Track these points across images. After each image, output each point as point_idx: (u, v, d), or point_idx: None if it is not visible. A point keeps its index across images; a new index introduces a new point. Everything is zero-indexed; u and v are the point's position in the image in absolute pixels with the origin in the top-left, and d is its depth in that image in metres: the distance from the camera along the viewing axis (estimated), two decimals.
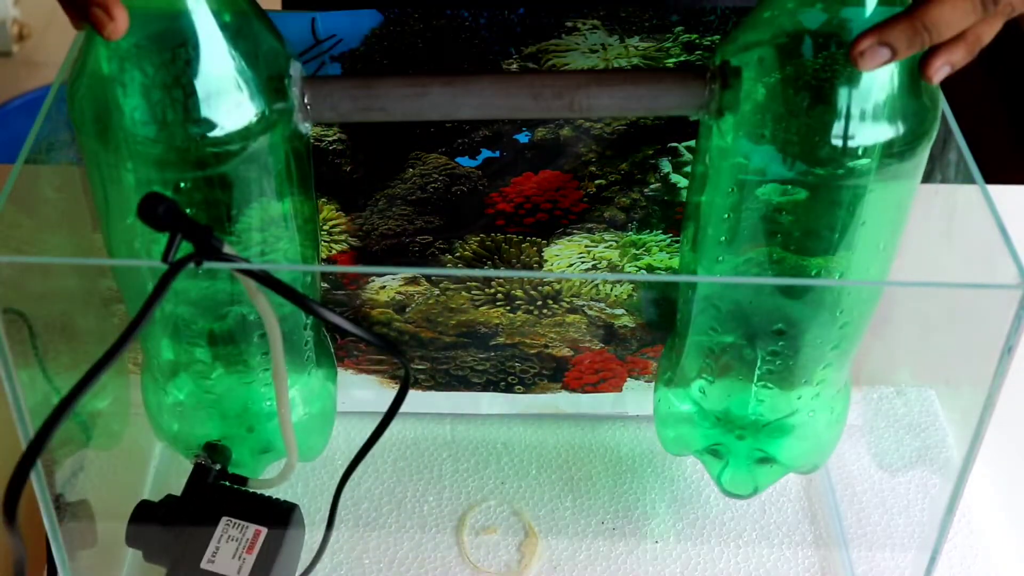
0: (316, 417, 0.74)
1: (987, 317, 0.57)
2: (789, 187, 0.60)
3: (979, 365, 0.58)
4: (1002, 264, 0.55)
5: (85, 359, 0.61)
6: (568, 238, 0.72)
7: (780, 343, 0.67)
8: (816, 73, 0.57)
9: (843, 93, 0.57)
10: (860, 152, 0.58)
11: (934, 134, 0.60)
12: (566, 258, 0.73)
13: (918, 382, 0.84)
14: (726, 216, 0.64)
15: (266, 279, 0.53)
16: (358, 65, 0.66)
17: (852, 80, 0.56)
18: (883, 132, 0.58)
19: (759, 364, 0.69)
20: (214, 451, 0.71)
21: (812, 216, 0.62)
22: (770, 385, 0.70)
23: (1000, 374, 0.57)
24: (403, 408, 0.81)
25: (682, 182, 0.70)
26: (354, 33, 0.65)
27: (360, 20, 0.65)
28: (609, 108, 0.60)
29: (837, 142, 0.58)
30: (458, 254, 0.73)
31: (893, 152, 0.58)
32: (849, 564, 0.74)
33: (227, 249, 0.53)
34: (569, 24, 0.65)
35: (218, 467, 0.71)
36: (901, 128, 0.58)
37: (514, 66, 0.66)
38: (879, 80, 0.57)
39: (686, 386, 0.73)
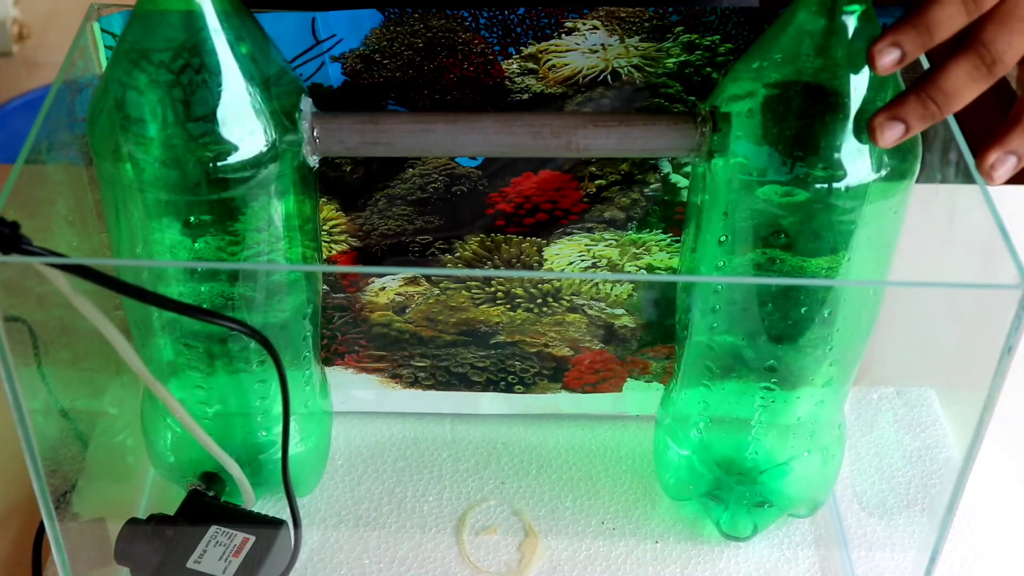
0: (311, 452, 0.75)
1: (987, 317, 0.57)
2: (789, 188, 0.61)
3: (979, 365, 0.58)
4: (1002, 264, 0.55)
5: (86, 360, 0.62)
6: (568, 238, 0.72)
7: (772, 380, 0.68)
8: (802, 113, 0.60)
9: (830, 127, 0.60)
10: (844, 189, 0.60)
11: (916, 171, 0.62)
12: (566, 257, 0.73)
13: (918, 382, 0.84)
14: (725, 217, 0.64)
15: (84, 272, 0.53)
16: (358, 65, 0.66)
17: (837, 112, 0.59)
18: (866, 169, 0.60)
19: (755, 403, 0.70)
20: (211, 480, 0.71)
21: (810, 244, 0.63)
22: (767, 424, 0.71)
23: (1000, 374, 0.57)
24: (403, 408, 0.82)
25: (682, 182, 0.70)
26: (354, 33, 0.65)
27: (360, 20, 0.65)
28: (604, 148, 0.63)
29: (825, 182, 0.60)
30: (458, 254, 0.73)
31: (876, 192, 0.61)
32: (849, 564, 0.74)
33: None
34: (569, 24, 0.65)
35: (212, 494, 0.71)
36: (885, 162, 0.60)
37: (514, 66, 0.66)
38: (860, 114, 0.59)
39: (685, 430, 0.74)
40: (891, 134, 0.56)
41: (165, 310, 0.60)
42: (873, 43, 0.55)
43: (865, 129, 0.58)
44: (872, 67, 0.55)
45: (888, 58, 0.55)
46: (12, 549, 0.73)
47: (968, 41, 0.55)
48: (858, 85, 0.59)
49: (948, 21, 0.54)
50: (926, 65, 0.59)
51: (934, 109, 0.56)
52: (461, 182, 0.70)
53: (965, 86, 0.55)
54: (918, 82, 0.56)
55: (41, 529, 0.73)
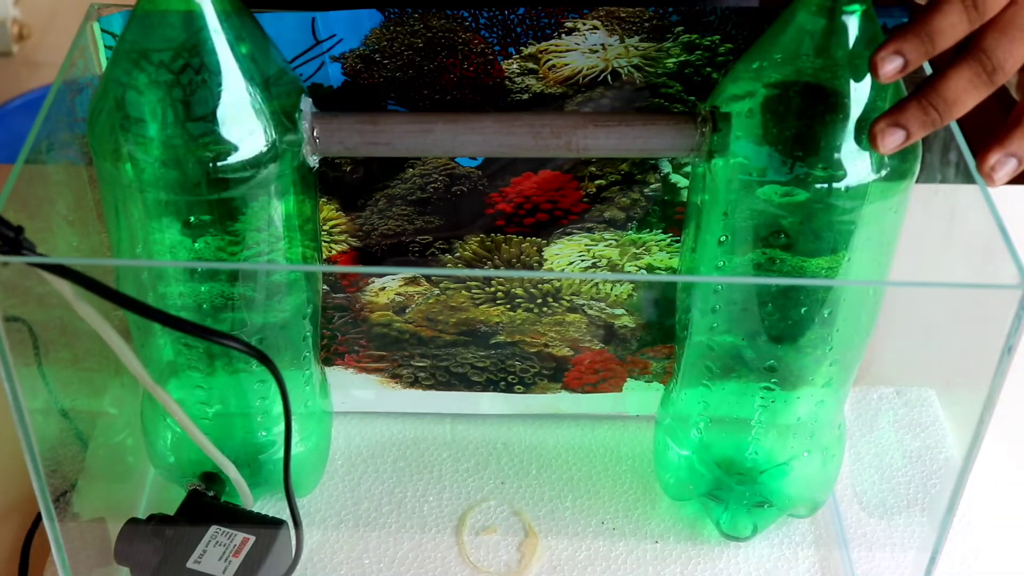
0: (311, 452, 0.75)
1: (987, 317, 0.57)
2: (789, 188, 0.61)
3: (979, 365, 0.58)
4: (1002, 264, 0.55)
5: (86, 360, 0.61)
6: (568, 238, 0.72)
7: (772, 380, 0.68)
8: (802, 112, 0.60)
9: (828, 127, 0.60)
10: (844, 189, 0.60)
11: (916, 172, 0.62)
12: (566, 257, 0.73)
13: (918, 382, 0.84)
14: (724, 217, 0.64)
15: (67, 273, 0.52)
16: (358, 65, 0.66)
17: (838, 112, 0.59)
18: (866, 169, 0.60)
19: (755, 403, 0.70)
20: (211, 480, 0.71)
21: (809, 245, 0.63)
22: (767, 425, 0.71)
23: (1000, 374, 0.57)
24: (403, 408, 0.82)
25: (682, 182, 0.70)
26: (354, 33, 0.65)
27: (360, 20, 0.65)
28: (604, 148, 0.63)
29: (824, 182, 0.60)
30: (458, 254, 0.73)
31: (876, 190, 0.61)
32: (849, 564, 0.74)
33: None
34: (569, 24, 0.65)
35: (212, 494, 0.71)
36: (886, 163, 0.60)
37: (514, 66, 0.66)
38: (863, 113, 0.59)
39: (685, 430, 0.74)
40: (892, 140, 0.57)
41: (162, 324, 0.59)
42: (875, 51, 0.55)
43: (865, 133, 0.58)
44: (874, 75, 0.56)
45: (890, 66, 0.55)
46: (12, 549, 0.73)
47: (969, 49, 0.55)
48: (858, 85, 0.59)
49: (950, 30, 0.54)
50: (929, 70, 0.59)
51: (935, 116, 0.56)
52: (461, 182, 0.70)
53: (966, 93, 0.55)
54: (919, 89, 0.56)
55: (32, 529, 0.73)
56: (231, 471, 0.68)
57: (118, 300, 0.54)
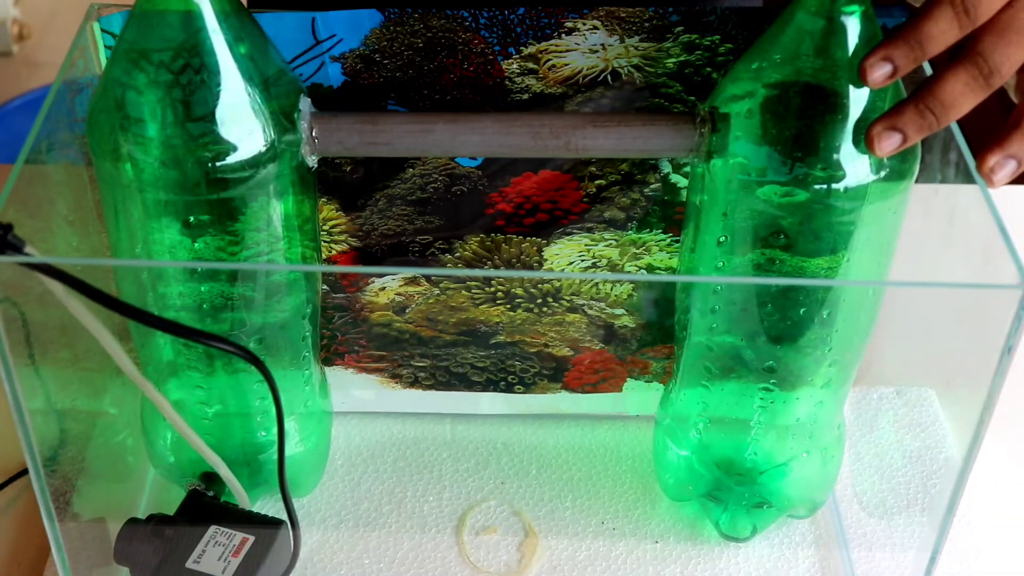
0: (311, 452, 0.75)
1: (987, 317, 0.57)
2: (789, 189, 0.61)
3: (979, 365, 0.58)
4: (1002, 264, 0.55)
5: (85, 360, 0.61)
6: (568, 238, 0.73)
7: (771, 380, 0.68)
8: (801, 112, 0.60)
9: (827, 127, 0.60)
10: (843, 190, 0.60)
11: (915, 172, 0.62)
12: (566, 257, 0.73)
13: (918, 382, 0.84)
14: (724, 217, 0.64)
15: (51, 272, 0.52)
16: (358, 65, 0.66)
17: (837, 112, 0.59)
18: (865, 169, 0.60)
19: (754, 404, 0.70)
20: (211, 480, 0.71)
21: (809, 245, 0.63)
22: (766, 425, 0.71)
23: (1000, 374, 0.57)
24: (403, 408, 0.82)
25: (682, 182, 0.70)
26: (354, 33, 0.65)
27: (360, 20, 0.65)
28: (603, 149, 0.63)
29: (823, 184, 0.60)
30: (458, 254, 0.73)
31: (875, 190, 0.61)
32: (849, 564, 0.74)
33: (29, 249, 0.53)
34: (569, 24, 0.65)
35: (212, 494, 0.71)
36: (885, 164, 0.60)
37: (514, 66, 0.66)
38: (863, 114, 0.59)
39: (684, 431, 0.74)
40: (889, 144, 0.57)
41: (145, 324, 0.59)
42: (865, 57, 0.55)
43: (863, 136, 0.58)
44: (864, 81, 0.56)
45: (879, 72, 0.55)
46: (12, 549, 0.73)
47: (966, 51, 0.55)
48: (858, 86, 0.59)
49: (940, 36, 0.54)
50: (929, 71, 0.59)
51: (932, 120, 0.56)
52: (461, 182, 0.70)
53: (963, 96, 0.55)
54: (916, 92, 0.56)
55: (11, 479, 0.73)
56: (223, 470, 0.68)
57: (102, 300, 0.53)
